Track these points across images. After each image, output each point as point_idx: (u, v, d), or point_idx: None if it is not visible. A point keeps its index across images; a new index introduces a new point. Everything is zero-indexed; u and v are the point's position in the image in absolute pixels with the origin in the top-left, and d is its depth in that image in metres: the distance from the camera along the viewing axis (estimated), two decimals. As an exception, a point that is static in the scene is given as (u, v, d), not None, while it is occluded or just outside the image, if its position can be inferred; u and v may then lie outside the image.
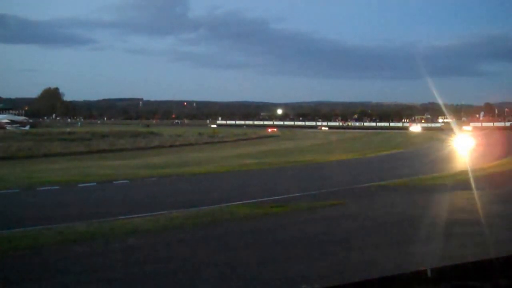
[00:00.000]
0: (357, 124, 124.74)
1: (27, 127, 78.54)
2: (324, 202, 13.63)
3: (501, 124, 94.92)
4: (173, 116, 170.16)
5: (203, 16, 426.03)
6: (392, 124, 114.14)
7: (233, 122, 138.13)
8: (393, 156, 35.53)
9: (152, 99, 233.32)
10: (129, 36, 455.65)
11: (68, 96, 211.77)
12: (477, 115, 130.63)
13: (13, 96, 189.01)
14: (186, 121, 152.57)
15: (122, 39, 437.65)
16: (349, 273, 6.87)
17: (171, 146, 46.17)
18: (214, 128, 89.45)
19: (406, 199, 14.53)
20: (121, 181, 19.88)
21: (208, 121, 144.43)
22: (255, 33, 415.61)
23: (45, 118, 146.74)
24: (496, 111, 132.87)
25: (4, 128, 74.45)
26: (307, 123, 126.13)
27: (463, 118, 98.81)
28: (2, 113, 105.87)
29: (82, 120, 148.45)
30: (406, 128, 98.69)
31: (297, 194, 15.56)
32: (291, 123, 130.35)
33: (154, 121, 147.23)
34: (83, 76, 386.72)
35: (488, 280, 2.51)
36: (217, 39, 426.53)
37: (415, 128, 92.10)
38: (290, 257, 8.25)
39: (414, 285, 2.43)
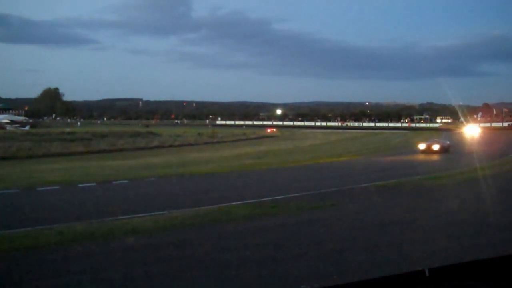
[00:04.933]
0: (356, 124, 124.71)
1: (27, 127, 78.49)
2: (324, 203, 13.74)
3: (499, 124, 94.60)
4: (173, 116, 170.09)
5: (205, 16, 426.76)
6: (391, 125, 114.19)
7: (232, 122, 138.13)
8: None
9: (152, 99, 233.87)
10: (130, 36, 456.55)
11: (68, 96, 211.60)
12: (475, 116, 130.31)
13: (13, 96, 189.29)
14: (185, 121, 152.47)
15: (124, 39, 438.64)
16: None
17: (170, 146, 46.14)
18: (213, 128, 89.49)
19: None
20: (121, 181, 19.90)
21: (207, 121, 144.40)
22: (256, 34, 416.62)
23: (45, 118, 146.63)
24: (494, 112, 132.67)
25: (4, 128, 74.43)
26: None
27: (461, 119, 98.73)
28: (2, 113, 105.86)
29: (81, 120, 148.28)
30: (406, 128, 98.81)
31: (296, 194, 15.60)
32: (290, 123, 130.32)
33: (153, 121, 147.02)
34: (83, 76, 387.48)
35: (486, 280, 2.53)
36: (219, 39, 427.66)
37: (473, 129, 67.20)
38: (289, 256, 8.29)
39: (413, 285, 2.45)
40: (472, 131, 63.94)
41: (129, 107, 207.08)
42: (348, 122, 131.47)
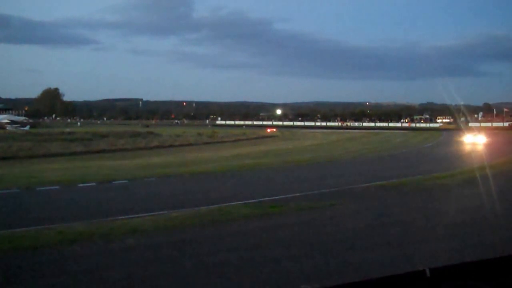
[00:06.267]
0: (356, 124, 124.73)
1: (27, 127, 78.55)
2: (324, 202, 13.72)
3: (499, 124, 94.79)
4: (173, 116, 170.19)
5: (206, 16, 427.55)
6: (391, 124, 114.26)
7: (232, 122, 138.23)
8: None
9: (152, 99, 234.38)
10: (131, 36, 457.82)
11: (68, 96, 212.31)
12: (475, 116, 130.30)
13: (13, 96, 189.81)
14: (185, 121, 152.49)
15: (124, 40, 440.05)
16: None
17: (170, 146, 46.13)
18: (213, 128, 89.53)
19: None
20: (121, 181, 19.88)
21: (207, 121, 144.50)
22: (257, 34, 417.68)
23: (45, 118, 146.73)
24: (495, 112, 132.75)
25: (4, 128, 74.49)
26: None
27: (462, 119, 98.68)
28: (2, 113, 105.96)
29: (81, 120, 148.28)
30: (406, 128, 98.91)
31: (297, 194, 15.59)
32: (290, 123, 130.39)
33: (153, 121, 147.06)
34: (83, 76, 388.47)
35: (488, 280, 2.52)
36: (219, 40, 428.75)
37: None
38: (289, 256, 8.28)
39: (413, 285, 2.44)
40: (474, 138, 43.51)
41: (129, 107, 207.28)
42: (348, 122, 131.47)
